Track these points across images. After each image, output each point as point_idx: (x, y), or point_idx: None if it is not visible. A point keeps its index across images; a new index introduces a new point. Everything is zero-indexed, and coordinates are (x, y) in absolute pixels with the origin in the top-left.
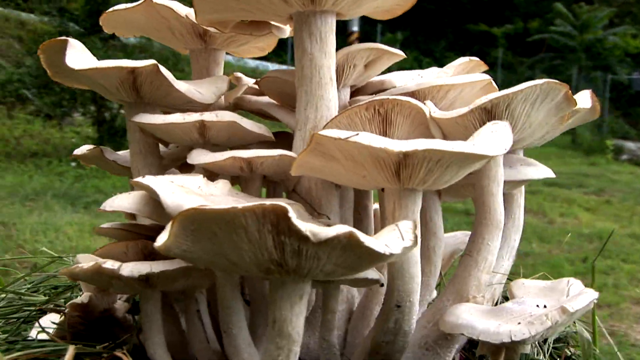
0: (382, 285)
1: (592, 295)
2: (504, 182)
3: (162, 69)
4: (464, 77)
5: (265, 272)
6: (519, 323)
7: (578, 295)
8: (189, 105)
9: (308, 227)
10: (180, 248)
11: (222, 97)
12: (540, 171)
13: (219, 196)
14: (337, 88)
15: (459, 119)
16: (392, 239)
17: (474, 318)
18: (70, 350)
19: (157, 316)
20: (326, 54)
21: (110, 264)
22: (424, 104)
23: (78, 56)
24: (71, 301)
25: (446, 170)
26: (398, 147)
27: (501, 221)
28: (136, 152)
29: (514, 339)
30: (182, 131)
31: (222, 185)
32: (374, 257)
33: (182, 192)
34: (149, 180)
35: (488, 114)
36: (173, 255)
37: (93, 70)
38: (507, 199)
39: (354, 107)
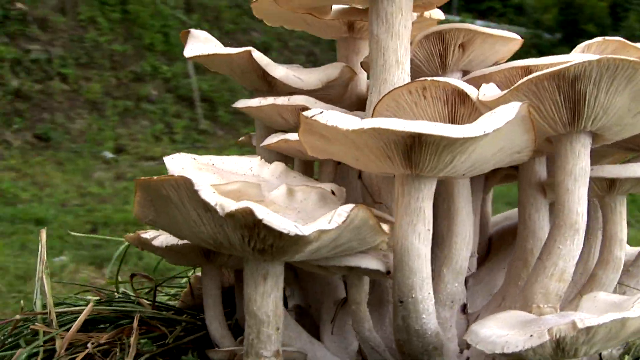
0: (388, 273)
1: (623, 314)
2: (596, 179)
3: (256, 54)
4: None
5: (219, 248)
6: (531, 335)
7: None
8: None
9: (216, 199)
10: (147, 217)
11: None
12: None
13: (246, 176)
14: (444, 72)
15: (501, 99)
16: (321, 220)
17: (499, 327)
18: None
19: (214, 291)
20: (392, 36)
21: (148, 235)
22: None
23: (195, 46)
24: (194, 274)
25: (440, 155)
26: (352, 126)
27: (578, 222)
28: (258, 137)
29: (505, 350)
30: (266, 115)
31: (274, 167)
32: (292, 240)
33: (193, 168)
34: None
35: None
36: (147, 224)
37: (198, 57)
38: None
39: (397, 88)
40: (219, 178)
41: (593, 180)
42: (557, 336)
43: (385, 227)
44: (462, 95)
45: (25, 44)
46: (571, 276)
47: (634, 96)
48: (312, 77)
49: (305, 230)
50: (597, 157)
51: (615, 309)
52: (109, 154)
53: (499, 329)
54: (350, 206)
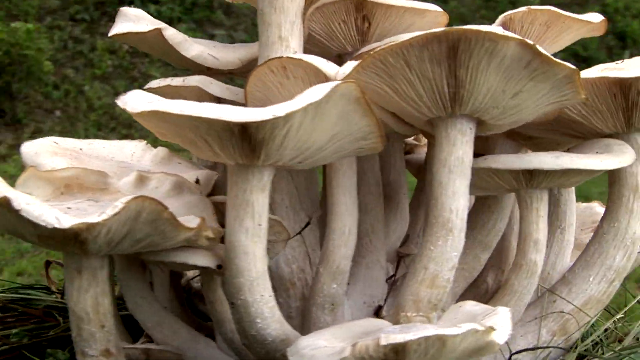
0: (219, 268)
1: (437, 331)
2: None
3: (168, 33)
4: None
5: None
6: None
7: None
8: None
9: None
10: None
11: None
12: (581, 160)
13: (113, 162)
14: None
15: (348, 78)
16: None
17: (332, 337)
18: None
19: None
20: (276, 9)
21: None
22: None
23: (119, 25)
24: None
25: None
26: (137, 109)
27: (451, 220)
28: None
29: None
30: (171, 96)
31: (156, 152)
32: (64, 233)
33: (46, 153)
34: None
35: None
36: None
37: (117, 36)
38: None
39: (259, 66)
40: (77, 164)
41: (500, 172)
42: (360, 353)
43: (194, 222)
44: (321, 75)
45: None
46: (448, 282)
47: (505, 75)
48: (230, 55)
49: (67, 222)
50: (552, 145)
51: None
52: None
53: (327, 341)
54: (129, 198)
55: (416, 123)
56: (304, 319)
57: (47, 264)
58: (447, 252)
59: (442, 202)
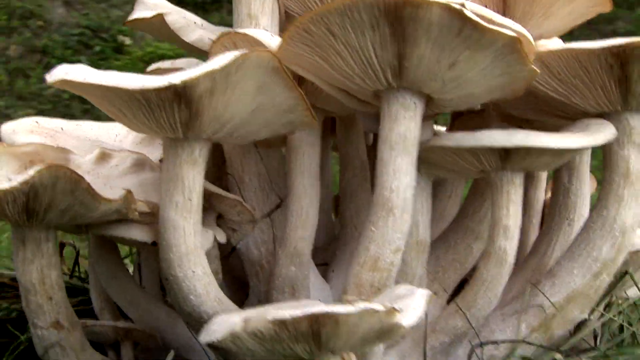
0: (154, 244)
1: (323, 309)
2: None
3: (171, 19)
4: None
5: None
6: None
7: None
8: None
9: None
10: None
11: None
12: (537, 138)
13: (81, 140)
14: None
15: (279, 51)
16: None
17: None
18: None
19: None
20: None
21: None
22: None
23: (136, 13)
24: None
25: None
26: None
27: (391, 200)
28: None
29: (206, 338)
30: None
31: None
32: None
33: (23, 131)
34: None
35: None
36: None
37: (130, 23)
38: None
39: (213, 42)
40: (50, 142)
41: (459, 152)
42: (250, 327)
43: (116, 194)
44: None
45: None
46: (392, 265)
47: (436, 43)
48: None
49: None
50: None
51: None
52: None
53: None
54: (41, 167)
55: (364, 97)
56: (267, 303)
57: (61, 245)
58: (388, 233)
59: (382, 180)
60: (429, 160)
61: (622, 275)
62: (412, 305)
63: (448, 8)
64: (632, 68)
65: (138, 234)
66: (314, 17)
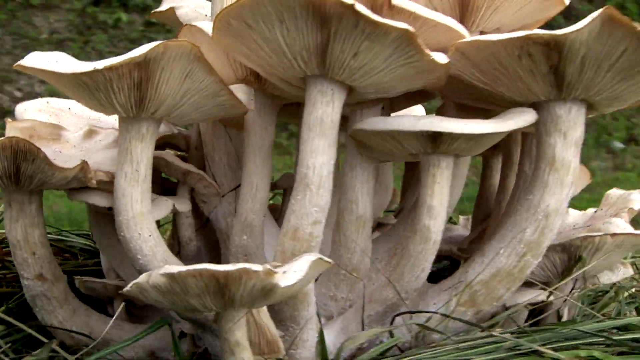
0: (109, 209)
1: (205, 266)
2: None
3: (181, 12)
4: None
5: None
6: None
7: None
8: None
9: None
10: None
11: None
12: (442, 123)
13: (81, 118)
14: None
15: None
16: None
17: None
18: None
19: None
20: None
21: None
22: None
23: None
24: None
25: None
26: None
27: (308, 176)
28: None
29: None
30: None
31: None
32: None
33: (33, 109)
34: None
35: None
36: None
37: (153, 15)
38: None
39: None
40: (54, 120)
41: (381, 135)
42: (152, 280)
43: (71, 164)
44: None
45: None
46: (312, 237)
47: (334, 33)
48: None
49: None
50: None
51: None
52: None
53: None
54: (3, 138)
55: (295, 83)
56: None
57: None
58: (305, 206)
59: (301, 158)
60: (364, 144)
61: (577, 260)
62: (294, 268)
63: (341, 3)
64: (551, 59)
65: (97, 199)
66: (231, 11)
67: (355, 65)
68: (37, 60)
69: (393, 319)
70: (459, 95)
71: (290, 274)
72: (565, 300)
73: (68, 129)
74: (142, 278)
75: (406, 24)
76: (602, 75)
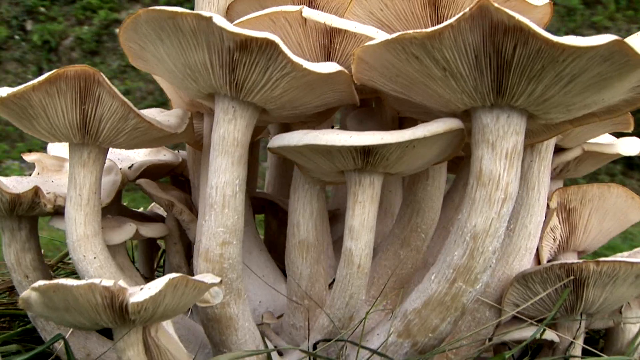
0: None
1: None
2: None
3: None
4: None
5: None
6: None
7: None
8: None
9: None
10: None
11: None
12: (324, 136)
13: None
14: None
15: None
16: None
17: None
18: None
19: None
20: None
21: None
22: None
23: None
24: None
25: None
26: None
27: (211, 196)
28: None
29: None
30: None
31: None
32: None
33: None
34: None
35: None
36: None
37: None
38: None
39: None
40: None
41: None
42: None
43: (21, 189)
44: None
45: None
46: (222, 258)
47: (206, 49)
48: None
49: None
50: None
51: None
52: None
53: None
54: None
55: (208, 103)
56: None
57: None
58: (212, 227)
59: (206, 178)
60: (298, 163)
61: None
62: (150, 285)
63: (198, 16)
64: (438, 61)
65: (59, 223)
66: (122, 35)
67: (239, 80)
68: None
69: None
70: (400, 107)
71: (140, 293)
72: (572, 340)
73: None
74: (25, 292)
75: (274, 34)
76: (507, 76)
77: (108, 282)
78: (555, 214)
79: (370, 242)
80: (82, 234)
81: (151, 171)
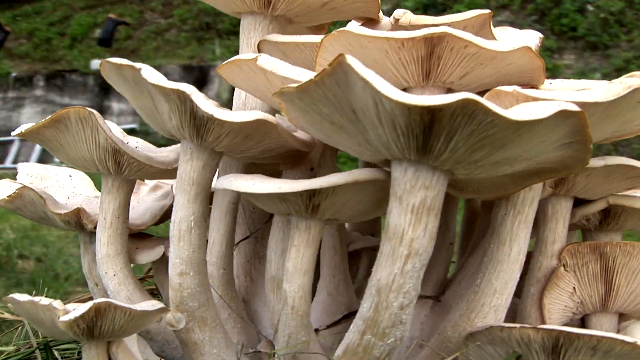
0: None
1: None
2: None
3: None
4: None
5: None
6: None
7: None
8: None
9: None
10: None
11: None
12: (237, 182)
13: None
14: None
15: None
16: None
17: None
18: None
19: None
20: None
21: None
22: None
23: None
24: None
25: None
26: None
27: (173, 229)
28: None
29: None
30: None
31: (161, 191)
32: None
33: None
34: None
35: None
36: None
37: None
38: None
39: None
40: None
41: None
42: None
43: (66, 209)
44: None
45: None
46: (182, 287)
47: (147, 95)
48: None
49: None
50: None
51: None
52: None
53: None
54: (19, 186)
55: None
56: None
57: None
58: (172, 258)
59: (172, 212)
60: None
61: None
62: (79, 307)
63: (132, 67)
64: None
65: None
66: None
67: (192, 125)
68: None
69: None
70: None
71: (72, 312)
72: None
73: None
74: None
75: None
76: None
77: (46, 300)
78: (564, 270)
79: (304, 285)
80: (105, 253)
81: None
